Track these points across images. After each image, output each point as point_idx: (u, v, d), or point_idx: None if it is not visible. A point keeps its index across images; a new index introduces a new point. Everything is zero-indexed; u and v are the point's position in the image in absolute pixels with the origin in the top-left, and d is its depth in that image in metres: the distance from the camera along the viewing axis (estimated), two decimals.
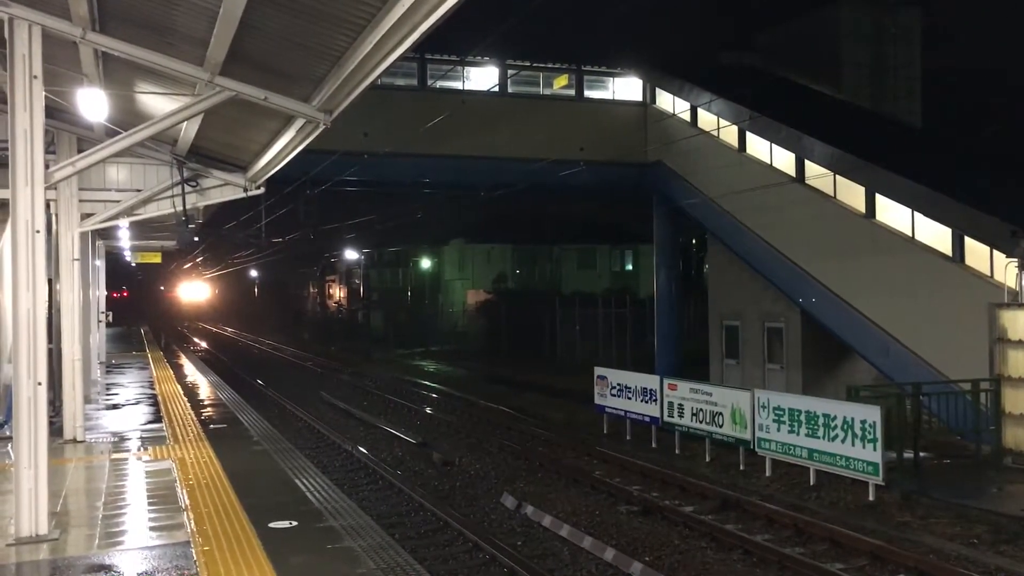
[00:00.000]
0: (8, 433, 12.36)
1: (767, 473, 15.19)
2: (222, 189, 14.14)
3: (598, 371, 20.71)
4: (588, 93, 28.74)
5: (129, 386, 22.96)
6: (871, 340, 19.71)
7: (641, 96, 28.80)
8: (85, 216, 14.16)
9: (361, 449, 18.48)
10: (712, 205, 25.15)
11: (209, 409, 19.99)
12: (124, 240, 26.56)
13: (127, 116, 12.34)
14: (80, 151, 12.96)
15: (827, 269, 21.17)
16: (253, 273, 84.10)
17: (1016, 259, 16.06)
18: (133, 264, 45.47)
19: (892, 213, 19.65)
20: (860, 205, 20.41)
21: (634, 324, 35.03)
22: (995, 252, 16.92)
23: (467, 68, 27.56)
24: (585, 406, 22.09)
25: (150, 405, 18.79)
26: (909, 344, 18.56)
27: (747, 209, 23.69)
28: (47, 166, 8.84)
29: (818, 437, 13.93)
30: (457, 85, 27.51)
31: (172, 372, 27.80)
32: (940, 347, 17.79)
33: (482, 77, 27.92)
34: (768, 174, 23.09)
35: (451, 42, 25.21)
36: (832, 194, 21.24)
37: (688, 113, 26.45)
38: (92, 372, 21.95)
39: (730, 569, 10.90)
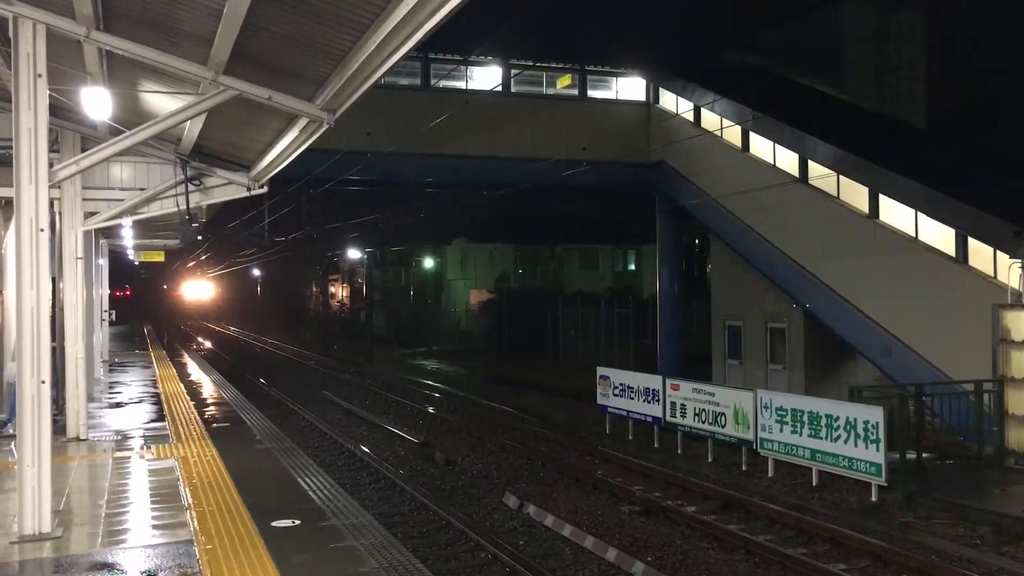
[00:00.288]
0: (11, 431, 12.40)
1: (769, 473, 15.18)
2: (225, 188, 14.15)
3: (600, 371, 20.71)
4: (591, 93, 28.75)
5: (132, 384, 22.98)
6: (874, 341, 19.70)
7: (644, 96, 28.80)
8: (88, 215, 14.17)
9: (363, 448, 18.50)
10: (715, 205, 25.14)
11: (212, 408, 20.01)
12: (127, 239, 26.60)
13: (131, 115, 12.36)
14: (84, 150, 12.97)
15: (830, 269, 21.16)
16: (256, 272, 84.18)
17: (1019, 260, 16.05)
18: (136, 263, 45.50)
19: (895, 213, 19.64)
20: (863, 205, 20.40)
21: (636, 324, 35.02)
22: (998, 253, 16.90)
23: (470, 68, 27.57)
24: (587, 406, 22.08)
25: (153, 403, 18.81)
26: (912, 345, 18.55)
27: (750, 209, 23.68)
28: (51, 165, 8.86)
29: (821, 438, 13.93)
30: (460, 85, 27.51)
31: (175, 371, 27.83)
32: (943, 348, 17.77)
33: (485, 77, 27.93)
34: (771, 174, 23.08)
35: (455, 41, 25.23)
36: (835, 194, 21.23)
37: (691, 113, 26.44)
38: (95, 370, 21.97)
39: (732, 569, 10.90)
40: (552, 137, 26.48)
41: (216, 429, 15.76)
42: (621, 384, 19.65)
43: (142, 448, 13.36)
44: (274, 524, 8.95)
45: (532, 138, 26.63)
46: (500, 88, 27.27)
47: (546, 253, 54.87)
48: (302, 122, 10.33)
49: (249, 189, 13.99)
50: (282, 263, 65.55)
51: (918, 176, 19.03)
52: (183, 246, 33.27)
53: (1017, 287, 16.10)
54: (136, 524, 9.05)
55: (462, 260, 57.42)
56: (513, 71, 27.84)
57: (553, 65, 28.51)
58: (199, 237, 32.23)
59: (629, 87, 28.90)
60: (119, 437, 14.35)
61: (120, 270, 56.40)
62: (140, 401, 19.30)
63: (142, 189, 14.15)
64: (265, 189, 14.08)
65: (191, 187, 13.83)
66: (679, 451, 17.51)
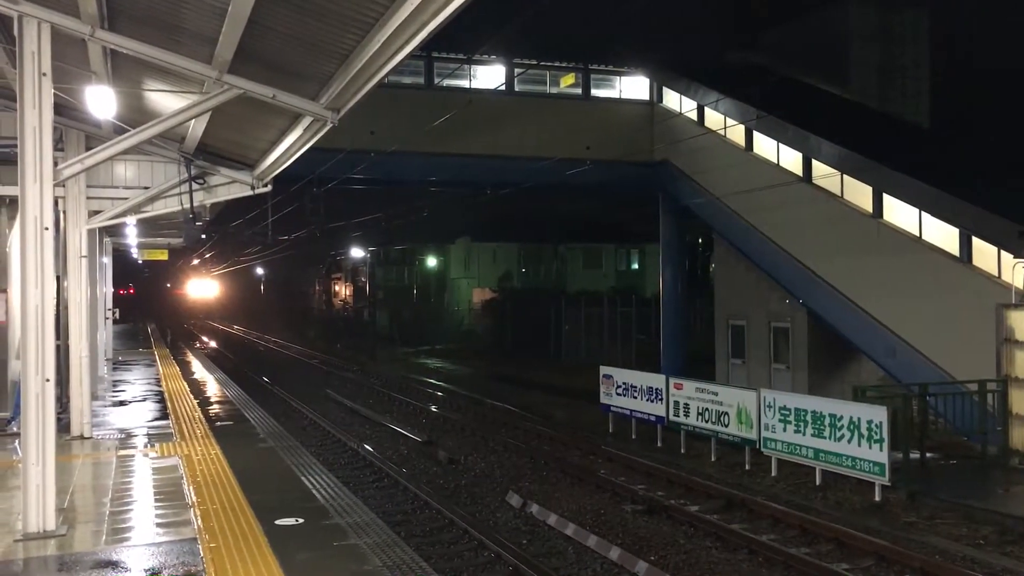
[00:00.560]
0: (16, 429, 12.43)
1: (773, 473, 15.18)
2: (229, 187, 14.16)
3: (604, 370, 20.71)
4: (595, 92, 28.72)
5: (136, 383, 23.02)
6: (878, 340, 19.67)
7: (648, 95, 28.77)
8: (93, 213, 14.18)
9: (367, 447, 18.51)
10: (719, 204, 25.12)
11: (215, 406, 20.04)
12: (131, 237, 26.62)
13: (135, 114, 12.37)
14: (88, 148, 12.99)
15: (834, 269, 21.14)
16: (259, 271, 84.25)
17: None
18: (140, 261, 45.56)
19: (899, 213, 19.61)
20: (867, 205, 20.37)
21: (640, 323, 35.01)
22: (1003, 252, 16.88)
23: (474, 67, 27.56)
24: (590, 405, 22.09)
25: (156, 402, 18.84)
26: (916, 344, 18.53)
27: (754, 209, 23.66)
28: (56, 163, 8.86)
29: (824, 437, 13.92)
30: (464, 84, 27.50)
31: (178, 369, 27.87)
32: (947, 348, 17.75)
33: (489, 76, 27.92)
34: (775, 173, 23.06)
35: (458, 41, 25.19)
36: (839, 194, 21.20)
37: (695, 112, 26.41)
38: (99, 369, 22.00)
39: (735, 569, 10.90)
40: (555, 136, 26.47)
41: (220, 427, 15.78)
42: (624, 383, 19.65)
43: (146, 446, 13.38)
44: (278, 522, 8.96)
45: (535, 137, 26.61)
46: (504, 87, 27.26)
47: (549, 252, 54.89)
48: (306, 121, 10.33)
49: (253, 188, 14.00)
50: (285, 262, 65.61)
51: (922, 175, 19.00)
52: (187, 245, 33.28)
53: (1021, 287, 16.08)
54: (140, 522, 9.06)
55: (465, 259, 57.42)
56: (517, 70, 27.83)
57: (557, 64, 28.50)
58: (203, 236, 32.27)
59: (633, 86, 28.88)
60: (123, 435, 14.38)
61: (124, 268, 56.46)
62: (144, 399, 19.33)
63: (146, 188, 14.17)
64: (269, 188, 14.09)
65: (195, 186, 13.84)
66: (682, 450, 17.51)
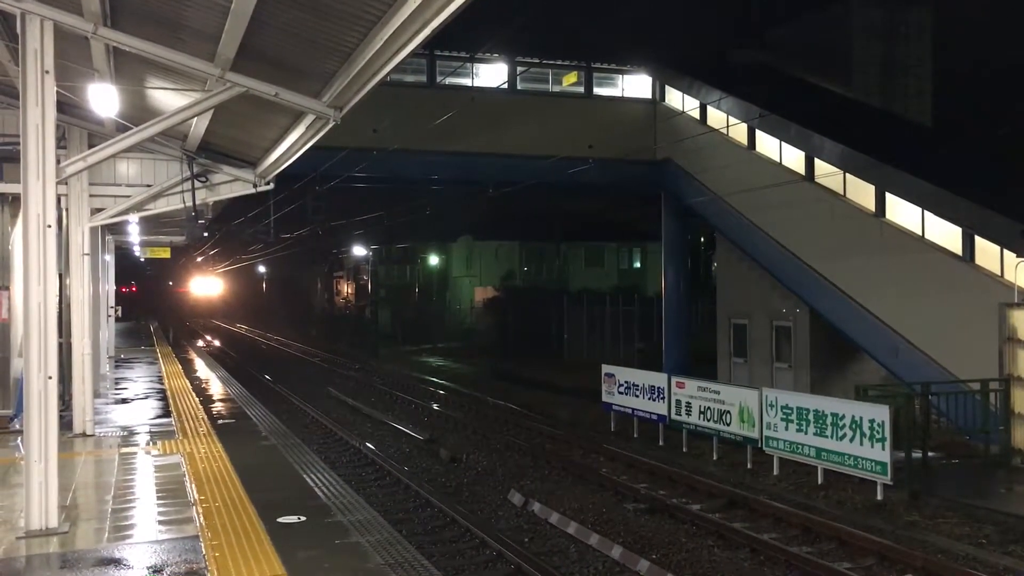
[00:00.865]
0: (18, 427, 12.44)
1: (775, 472, 15.17)
2: (231, 185, 14.17)
3: (605, 369, 20.71)
4: (597, 90, 28.69)
5: (138, 381, 23.04)
6: (880, 339, 19.65)
7: (650, 93, 28.74)
8: (95, 211, 14.19)
9: (369, 445, 18.52)
10: (721, 203, 25.10)
11: (218, 404, 20.06)
12: (133, 235, 26.65)
13: (138, 111, 12.38)
14: (91, 146, 13.00)
15: (836, 268, 21.12)
16: (261, 269, 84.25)
17: None
18: (142, 259, 45.58)
19: (902, 212, 19.59)
20: (870, 204, 20.35)
21: (642, 322, 35.00)
22: (1005, 252, 16.86)
23: (476, 65, 27.55)
24: (592, 403, 22.09)
25: (159, 400, 18.85)
26: (918, 344, 18.51)
27: (756, 207, 23.63)
28: (58, 161, 8.88)
29: (826, 436, 13.92)
30: (466, 82, 27.49)
31: (181, 367, 27.89)
32: (949, 347, 17.73)
33: (491, 74, 27.91)
34: (778, 172, 23.04)
35: (461, 39, 25.19)
36: (842, 192, 21.18)
37: (697, 111, 26.40)
38: (101, 366, 22.03)
39: (737, 568, 10.90)
40: (558, 135, 26.44)
41: (222, 425, 15.79)
42: (626, 382, 19.65)
43: (148, 444, 13.39)
44: (280, 520, 8.97)
45: (537, 136, 26.59)
46: (506, 85, 27.25)
47: (551, 251, 54.86)
48: (308, 119, 10.34)
49: (255, 186, 14.01)
50: (288, 260, 65.61)
51: (925, 174, 18.98)
52: (189, 242, 33.29)
53: None
54: (142, 520, 9.07)
55: (467, 257, 57.41)
56: (519, 68, 27.81)
57: (559, 62, 28.47)
58: (205, 234, 32.26)
59: (635, 84, 28.85)
60: (125, 433, 14.39)
61: (126, 266, 56.50)
62: (146, 397, 19.34)
63: (149, 186, 14.17)
64: (271, 186, 14.10)
65: (197, 184, 13.85)
66: (684, 449, 17.51)
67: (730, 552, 11.46)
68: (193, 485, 10.47)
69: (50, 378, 8.35)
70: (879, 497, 13.15)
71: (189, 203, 13.89)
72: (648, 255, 54.53)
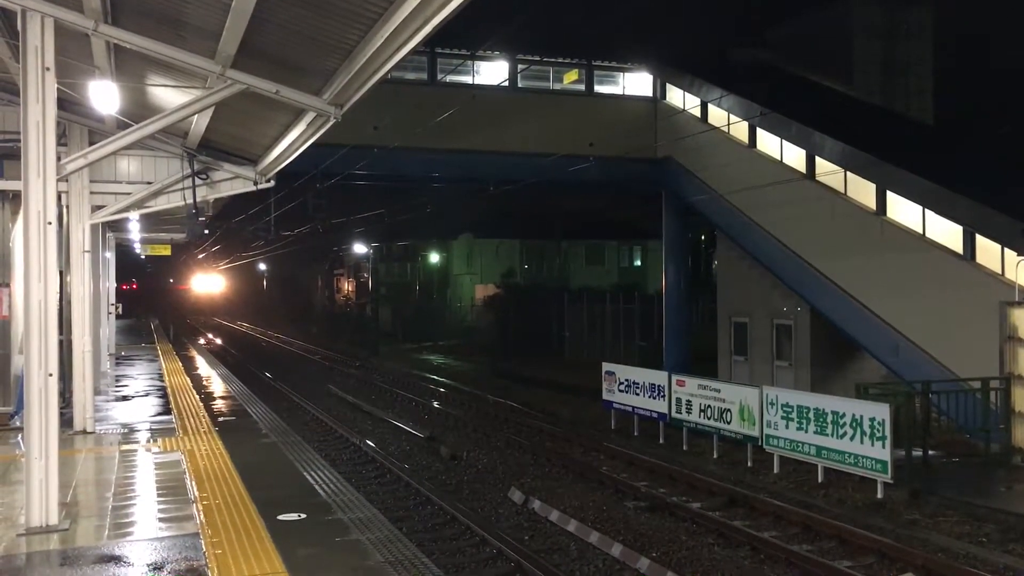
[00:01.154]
0: (19, 424, 12.44)
1: (775, 470, 15.17)
2: (232, 182, 14.16)
3: (606, 367, 20.70)
4: (598, 88, 28.67)
5: (138, 378, 23.05)
6: (881, 338, 19.65)
7: (651, 91, 28.73)
8: (96, 208, 14.19)
9: (369, 443, 18.53)
10: (722, 201, 25.09)
11: (218, 402, 20.06)
12: (134, 232, 26.64)
13: (138, 109, 12.37)
14: (91, 143, 13.00)
15: (837, 266, 21.11)
16: (262, 267, 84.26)
17: None
18: (143, 256, 45.60)
19: (903, 210, 19.58)
20: (871, 202, 20.34)
21: (642, 320, 35.00)
22: (1006, 250, 16.85)
23: (477, 62, 27.53)
24: (593, 401, 22.09)
25: (159, 397, 18.86)
26: (919, 342, 18.50)
27: (757, 206, 23.62)
28: (59, 158, 8.87)
29: (827, 434, 13.92)
30: (467, 79, 27.48)
31: (181, 364, 27.89)
32: (950, 345, 17.72)
33: (492, 72, 27.89)
34: (778, 171, 23.01)
35: (461, 36, 25.18)
36: (843, 191, 21.17)
37: (698, 109, 26.38)
38: (102, 364, 22.03)
39: (737, 566, 10.90)
40: (558, 132, 26.42)
41: (222, 423, 15.79)
42: (627, 380, 19.65)
43: (148, 441, 13.39)
44: (280, 518, 8.97)
45: (538, 133, 26.57)
46: (507, 83, 27.23)
47: (552, 249, 54.86)
48: (309, 116, 10.33)
49: (256, 183, 14.00)
50: (288, 258, 65.62)
51: (926, 173, 18.97)
52: (190, 240, 33.29)
53: None
54: (143, 517, 9.07)
55: (468, 255, 57.41)
56: (520, 66, 27.79)
57: (560, 60, 28.45)
58: (205, 231, 32.25)
59: (636, 82, 28.84)
60: (125, 430, 14.40)
61: (127, 264, 56.50)
62: (147, 394, 19.35)
63: (149, 183, 14.17)
64: (272, 183, 14.09)
65: (198, 181, 13.85)
66: (684, 447, 17.51)
67: (730, 550, 11.46)
68: (193, 482, 10.47)
69: (51, 375, 8.34)
70: (879, 495, 13.15)
71: (190, 200, 13.88)
72: (649, 253, 54.53)
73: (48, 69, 8.30)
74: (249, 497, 9.80)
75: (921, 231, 19.02)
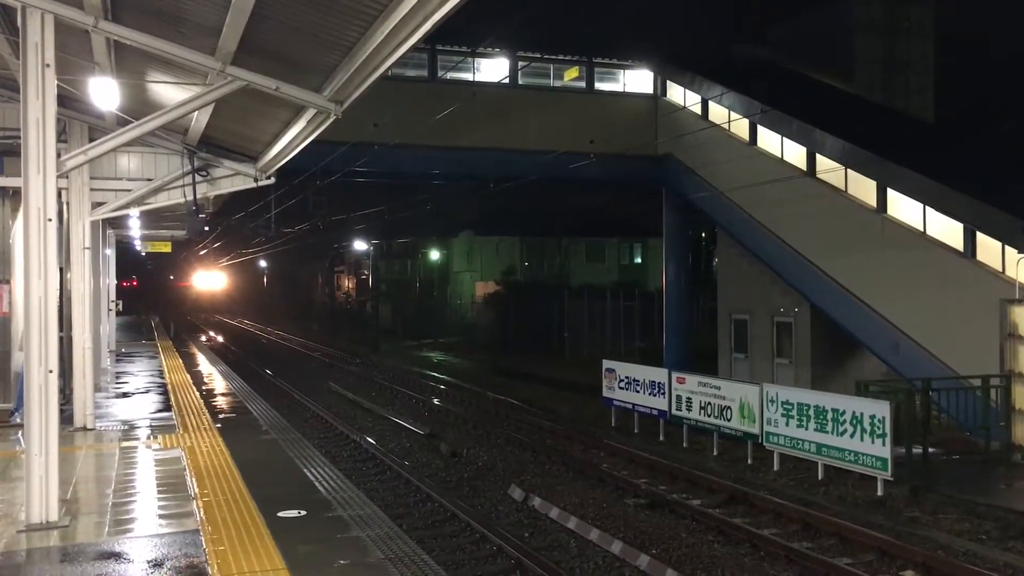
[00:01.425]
0: (19, 420, 12.44)
1: (775, 467, 15.17)
2: (232, 179, 14.16)
3: (606, 364, 20.71)
4: (599, 85, 28.67)
5: (139, 375, 23.05)
6: (881, 335, 19.65)
7: (652, 89, 28.71)
8: (96, 205, 14.19)
9: (369, 440, 18.53)
10: (722, 199, 25.08)
11: (218, 398, 20.06)
12: (134, 229, 26.65)
13: (138, 105, 12.37)
14: (91, 140, 12.99)
15: (837, 264, 21.10)
16: (262, 264, 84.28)
17: None
18: (143, 253, 45.61)
19: (903, 208, 19.57)
20: (871, 199, 20.33)
21: (642, 317, 34.99)
22: (1007, 248, 16.84)
23: (478, 59, 27.51)
24: (593, 399, 22.09)
25: (159, 394, 18.86)
26: (919, 340, 18.50)
27: (757, 203, 23.62)
28: (59, 155, 8.86)
29: (827, 432, 13.92)
30: (467, 76, 27.46)
31: (181, 361, 27.90)
32: (950, 343, 17.72)
33: (493, 69, 27.87)
34: (779, 168, 23.00)
35: (462, 33, 25.16)
36: (843, 188, 21.16)
37: (699, 106, 26.36)
38: (102, 360, 22.04)
39: (737, 563, 10.90)
40: (559, 130, 26.41)
41: (222, 419, 15.80)
42: (627, 377, 19.65)
43: (149, 438, 13.39)
44: (280, 514, 8.97)
45: (539, 131, 26.57)
46: (507, 80, 27.21)
47: (552, 246, 54.86)
48: (309, 113, 10.32)
49: (256, 180, 14.01)
50: (288, 255, 65.62)
51: (927, 170, 18.95)
52: (190, 237, 33.29)
53: None
54: (143, 514, 9.07)
55: (468, 252, 57.41)
56: (520, 63, 27.77)
57: (560, 57, 28.44)
58: (206, 228, 32.26)
59: (636, 80, 28.82)
60: (126, 427, 14.39)
61: (127, 261, 56.49)
62: (147, 391, 19.35)
63: (149, 179, 14.16)
64: (272, 180, 14.10)
65: (198, 178, 13.85)
66: (684, 444, 17.51)
67: (730, 547, 11.46)
68: (194, 479, 10.47)
69: (51, 372, 8.34)
70: (879, 493, 13.15)
71: (190, 197, 13.88)
72: (649, 250, 54.54)
73: (48, 65, 8.29)
74: (249, 494, 9.80)
75: (922, 229, 19.01)
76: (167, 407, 16.78)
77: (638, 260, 57.59)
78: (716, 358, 27.52)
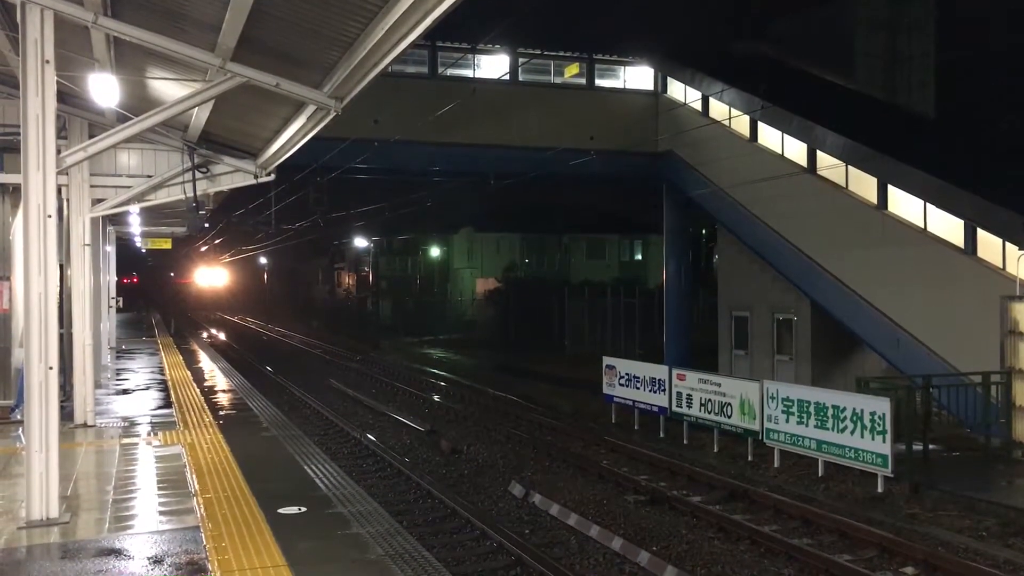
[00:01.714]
0: (20, 417, 12.44)
1: (775, 464, 15.18)
2: (232, 175, 14.14)
3: (607, 360, 20.71)
4: (599, 82, 28.63)
5: (139, 371, 23.06)
6: (881, 332, 19.64)
7: (652, 85, 28.68)
8: (96, 201, 14.18)
9: (369, 436, 18.54)
10: (723, 195, 25.07)
11: (219, 395, 20.07)
12: (134, 226, 26.64)
13: (138, 102, 12.35)
14: (91, 136, 12.97)
15: (838, 260, 21.09)
16: (262, 260, 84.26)
17: None
18: (143, 250, 45.61)
19: (904, 204, 19.55)
20: (872, 196, 20.32)
21: (643, 314, 34.99)
22: (1008, 244, 16.83)
23: (478, 56, 27.47)
24: (593, 395, 22.10)
25: (160, 391, 18.87)
26: (920, 336, 18.49)
27: (758, 199, 23.60)
28: (59, 151, 8.85)
29: (827, 428, 13.92)
30: (468, 73, 27.43)
31: (182, 358, 27.90)
32: (951, 340, 17.71)
33: (493, 65, 27.84)
34: (779, 164, 22.98)
35: (462, 29, 25.12)
36: (844, 185, 21.14)
37: (699, 102, 26.33)
38: (102, 357, 22.03)
39: (737, 560, 10.90)
40: (559, 126, 26.40)
41: (223, 416, 15.81)
42: (627, 374, 19.65)
43: (149, 435, 13.40)
44: (281, 511, 8.97)
45: (539, 127, 26.55)
46: (508, 76, 27.19)
47: (553, 242, 54.86)
48: (310, 109, 10.31)
49: (256, 177, 13.99)
50: (289, 251, 65.61)
51: (927, 166, 18.94)
52: (190, 233, 33.29)
53: None
54: (143, 510, 9.08)
55: (469, 249, 57.44)
56: (521, 59, 27.74)
57: (561, 54, 28.40)
58: (206, 225, 32.26)
59: (637, 76, 28.78)
60: (126, 424, 14.40)
61: (127, 257, 56.49)
62: (147, 388, 19.36)
63: (149, 176, 14.16)
64: (272, 177, 14.08)
65: (198, 174, 13.83)
66: (685, 441, 17.52)
67: (731, 544, 11.47)
68: (194, 476, 10.48)
69: (51, 368, 8.34)
70: (880, 489, 13.16)
71: (190, 194, 13.87)
72: (649, 247, 54.54)
73: (48, 62, 8.28)
74: (249, 490, 9.80)
75: (922, 225, 18.99)
76: (167, 404, 16.79)
77: (639, 257, 57.61)
78: (716, 355, 27.51)
